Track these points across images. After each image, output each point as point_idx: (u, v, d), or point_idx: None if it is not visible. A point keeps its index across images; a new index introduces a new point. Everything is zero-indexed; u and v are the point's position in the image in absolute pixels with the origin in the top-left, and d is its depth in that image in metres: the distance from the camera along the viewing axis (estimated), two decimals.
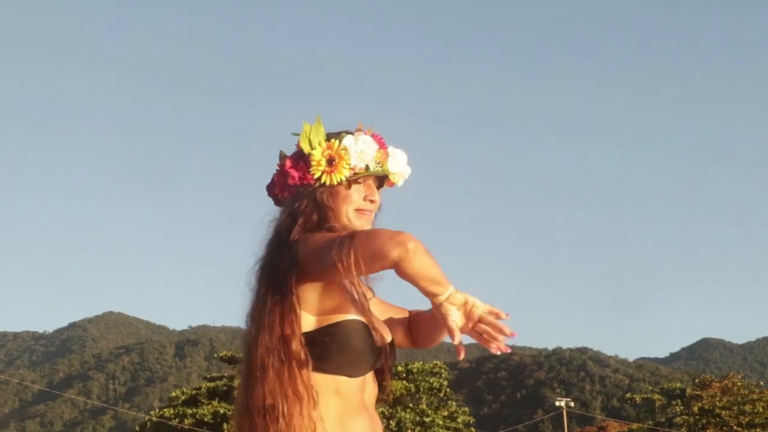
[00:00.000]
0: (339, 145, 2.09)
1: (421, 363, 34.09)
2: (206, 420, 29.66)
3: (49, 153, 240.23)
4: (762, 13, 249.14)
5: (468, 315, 1.95)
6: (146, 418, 33.81)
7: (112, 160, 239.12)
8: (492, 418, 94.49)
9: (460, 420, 34.11)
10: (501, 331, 1.96)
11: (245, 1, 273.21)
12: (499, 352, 2.02)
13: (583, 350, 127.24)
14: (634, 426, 45.63)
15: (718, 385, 43.14)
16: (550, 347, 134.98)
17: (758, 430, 36.86)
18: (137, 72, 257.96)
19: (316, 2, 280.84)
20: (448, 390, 34.20)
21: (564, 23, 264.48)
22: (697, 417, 39.37)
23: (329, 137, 2.12)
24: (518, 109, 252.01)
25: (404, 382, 32.24)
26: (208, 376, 35.96)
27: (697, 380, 47.00)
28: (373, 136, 2.14)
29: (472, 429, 35.64)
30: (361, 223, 2.08)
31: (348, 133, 2.13)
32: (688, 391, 43.81)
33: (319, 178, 2.08)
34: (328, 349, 1.93)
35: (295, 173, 2.11)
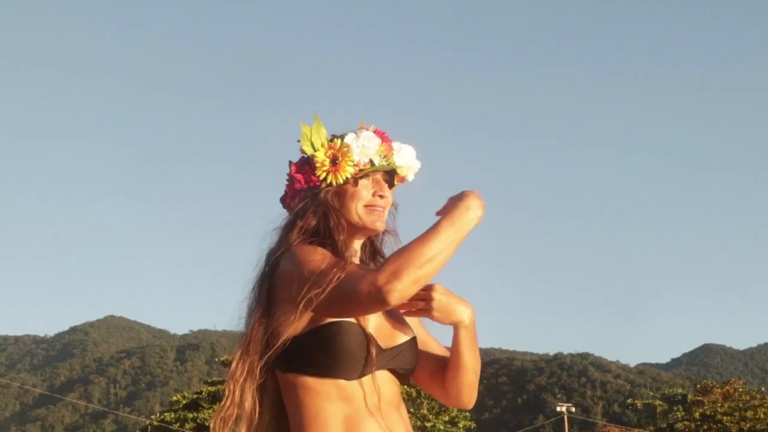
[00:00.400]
0: (341, 143, 2.08)
1: None
2: (207, 424, 29.58)
3: (51, 156, 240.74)
4: (763, 14, 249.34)
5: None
6: (147, 423, 33.78)
7: (113, 164, 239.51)
8: (493, 423, 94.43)
9: (461, 425, 34.08)
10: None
11: (245, 3, 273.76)
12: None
13: (584, 355, 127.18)
14: (635, 431, 45.56)
15: (719, 390, 43.10)
16: (552, 352, 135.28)
17: None
18: (139, 76, 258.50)
19: (317, 4, 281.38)
20: None
21: (564, 26, 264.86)
22: (699, 423, 39.32)
23: (332, 137, 2.11)
24: (520, 113, 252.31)
25: (405, 386, 32.20)
26: (209, 380, 35.92)
27: (698, 386, 46.99)
28: (375, 131, 2.12)
29: None
30: (372, 219, 2.06)
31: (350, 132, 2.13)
32: (690, 396, 43.79)
33: (325, 179, 2.07)
34: (317, 352, 1.90)
35: (300, 177, 2.10)
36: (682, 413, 42.28)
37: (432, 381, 2.18)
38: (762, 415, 37.63)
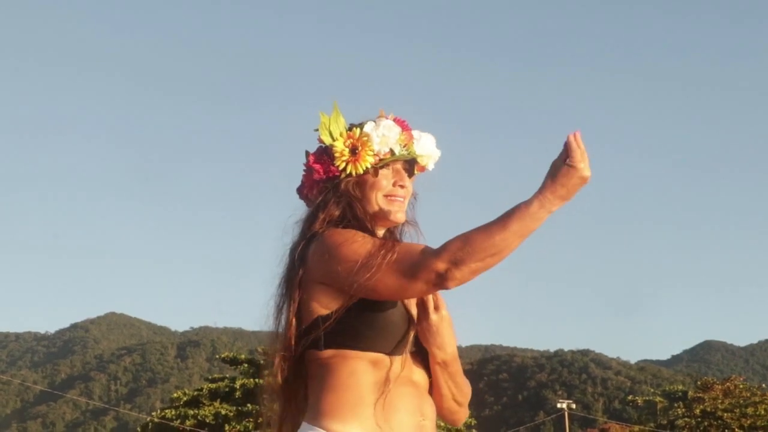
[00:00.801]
0: (360, 132, 2.05)
1: None
2: (208, 421, 29.64)
3: (52, 154, 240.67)
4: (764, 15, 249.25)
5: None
6: (148, 419, 33.80)
7: (114, 162, 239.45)
8: (493, 419, 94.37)
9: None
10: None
11: (246, 2, 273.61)
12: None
13: (584, 352, 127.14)
14: (636, 428, 45.59)
15: (720, 387, 43.15)
16: (552, 349, 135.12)
17: None
18: (139, 75, 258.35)
19: (318, 5, 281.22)
20: None
21: (564, 26, 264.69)
22: (699, 419, 39.33)
23: (351, 127, 2.09)
24: (519, 111, 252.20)
25: None
26: (210, 377, 35.90)
27: (699, 382, 47.05)
28: (395, 120, 2.09)
29: (474, 431, 35.60)
30: (393, 210, 2.04)
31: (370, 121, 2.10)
32: (690, 393, 43.86)
33: (345, 169, 2.04)
34: (360, 324, 1.89)
35: (319, 167, 2.07)
36: (683, 410, 42.29)
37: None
38: (762, 412, 37.63)
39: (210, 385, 32.48)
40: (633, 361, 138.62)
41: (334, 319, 1.89)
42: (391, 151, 2.05)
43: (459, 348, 2.06)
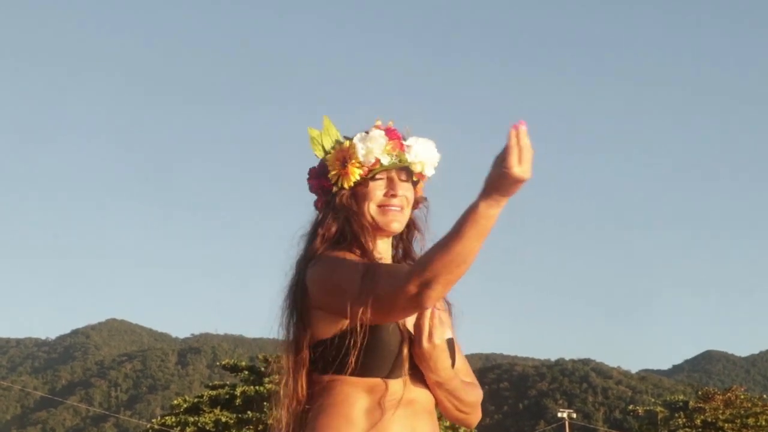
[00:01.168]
0: (350, 144, 2.05)
1: None
2: (208, 428, 29.60)
3: (53, 158, 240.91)
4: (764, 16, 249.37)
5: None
6: (148, 426, 33.76)
7: (115, 166, 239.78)
8: (494, 428, 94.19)
9: (462, 430, 34.03)
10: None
11: (246, 3, 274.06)
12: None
13: (585, 361, 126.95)
14: None
15: (721, 397, 42.99)
16: (553, 358, 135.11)
17: None
18: (140, 76, 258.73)
19: (318, 5, 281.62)
20: None
21: (564, 27, 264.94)
22: (700, 429, 39.22)
23: (345, 139, 2.09)
24: (518, 115, 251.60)
25: None
26: (210, 384, 35.87)
27: (700, 393, 46.84)
28: (386, 130, 2.07)
29: None
30: (387, 219, 2.03)
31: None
32: (691, 403, 43.67)
33: (337, 182, 2.05)
34: (355, 351, 1.89)
35: (314, 182, 2.10)
36: (684, 420, 42.13)
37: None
38: (764, 423, 37.51)
39: (210, 392, 32.43)
40: (634, 370, 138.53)
41: (330, 346, 1.92)
42: (379, 161, 2.04)
43: None
